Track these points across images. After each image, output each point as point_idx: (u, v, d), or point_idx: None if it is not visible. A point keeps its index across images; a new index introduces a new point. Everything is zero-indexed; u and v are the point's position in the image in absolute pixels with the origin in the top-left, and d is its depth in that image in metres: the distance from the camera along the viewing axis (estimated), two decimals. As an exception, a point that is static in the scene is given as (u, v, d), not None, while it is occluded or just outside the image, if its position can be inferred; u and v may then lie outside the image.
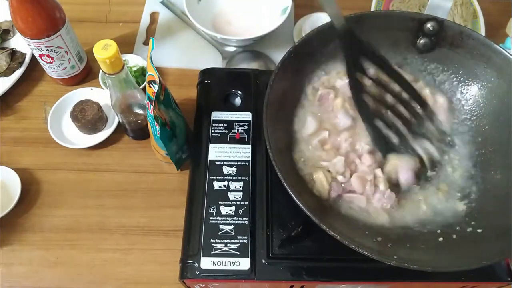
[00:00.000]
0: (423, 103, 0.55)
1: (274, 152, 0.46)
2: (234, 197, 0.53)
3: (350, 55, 0.53)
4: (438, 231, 0.49)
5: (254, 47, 0.78)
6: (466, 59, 0.55)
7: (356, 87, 0.54)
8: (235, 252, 0.49)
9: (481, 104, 0.56)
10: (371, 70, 0.55)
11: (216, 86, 0.62)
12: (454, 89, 0.58)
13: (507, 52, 0.52)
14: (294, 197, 0.43)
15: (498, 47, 0.52)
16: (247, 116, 0.59)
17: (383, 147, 0.52)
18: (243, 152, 0.56)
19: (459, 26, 0.54)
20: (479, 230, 0.48)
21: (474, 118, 0.56)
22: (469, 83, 0.56)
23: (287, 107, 0.55)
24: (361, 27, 0.56)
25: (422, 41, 0.57)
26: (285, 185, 0.43)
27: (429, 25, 0.55)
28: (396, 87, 0.55)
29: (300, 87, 0.57)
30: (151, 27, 0.82)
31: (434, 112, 0.56)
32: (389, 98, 0.55)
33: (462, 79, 0.57)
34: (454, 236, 0.49)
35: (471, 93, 0.56)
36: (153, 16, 0.84)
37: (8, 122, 0.71)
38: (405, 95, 0.55)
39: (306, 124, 0.55)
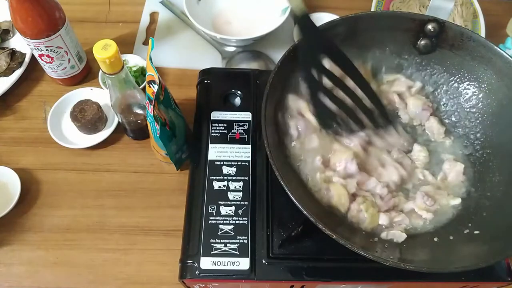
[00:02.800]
0: (380, 105, 0.54)
1: (272, 150, 0.45)
2: (234, 197, 0.53)
3: (307, 47, 0.51)
4: (435, 232, 0.49)
5: (254, 47, 0.78)
6: (466, 61, 0.55)
7: (312, 85, 0.52)
8: (235, 252, 0.49)
9: (480, 106, 0.56)
10: (328, 65, 0.53)
11: (216, 86, 0.62)
12: (453, 90, 0.58)
13: (508, 54, 0.52)
14: (289, 193, 0.43)
15: (499, 49, 0.52)
16: (247, 116, 0.59)
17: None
18: (242, 152, 0.56)
19: (460, 28, 0.54)
20: (476, 232, 0.48)
21: (473, 120, 0.56)
22: (469, 85, 0.56)
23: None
24: (361, 27, 0.56)
25: (422, 42, 0.56)
26: (281, 182, 0.43)
27: (430, 26, 0.55)
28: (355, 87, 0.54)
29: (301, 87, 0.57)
30: (150, 27, 0.82)
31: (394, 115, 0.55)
32: (348, 99, 0.53)
33: (462, 80, 0.57)
34: (451, 237, 0.49)
35: (470, 95, 0.56)
36: (153, 16, 0.84)
37: (8, 122, 0.71)
38: (361, 93, 0.53)
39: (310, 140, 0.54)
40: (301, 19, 0.51)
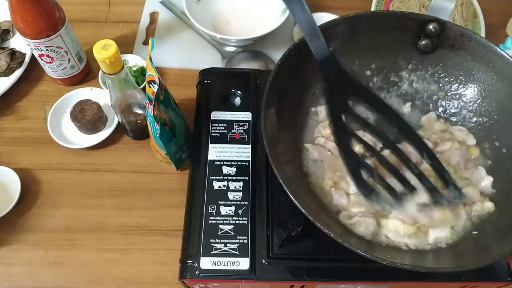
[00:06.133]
0: (426, 149, 0.49)
1: (271, 151, 0.45)
2: (234, 197, 0.53)
3: (333, 92, 0.48)
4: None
5: (254, 47, 0.78)
6: (466, 61, 0.55)
7: (341, 131, 0.48)
8: (235, 252, 0.49)
9: (481, 107, 0.56)
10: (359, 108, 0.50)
11: (216, 86, 0.62)
12: (453, 91, 0.58)
13: (508, 55, 0.51)
14: (288, 191, 0.43)
15: (499, 49, 0.52)
16: (247, 116, 0.59)
17: (368, 195, 0.48)
18: (242, 152, 0.56)
19: (461, 28, 0.54)
20: (474, 233, 0.48)
21: (473, 120, 0.56)
22: (469, 85, 0.56)
23: (288, 109, 0.55)
24: (361, 27, 0.56)
25: (423, 42, 0.56)
26: (281, 181, 0.43)
27: (430, 26, 0.54)
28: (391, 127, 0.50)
29: (302, 87, 0.56)
30: (150, 27, 0.82)
31: (439, 161, 0.50)
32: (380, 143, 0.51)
33: (462, 81, 0.57)
34: None
35: (470, 95, 0.56)
36: (153, 16, 0.84)
37: (8, 122, 0.71)
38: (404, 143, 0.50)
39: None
40: (324, 62, 0.46)
